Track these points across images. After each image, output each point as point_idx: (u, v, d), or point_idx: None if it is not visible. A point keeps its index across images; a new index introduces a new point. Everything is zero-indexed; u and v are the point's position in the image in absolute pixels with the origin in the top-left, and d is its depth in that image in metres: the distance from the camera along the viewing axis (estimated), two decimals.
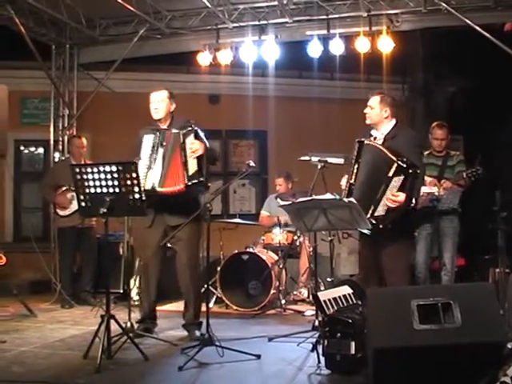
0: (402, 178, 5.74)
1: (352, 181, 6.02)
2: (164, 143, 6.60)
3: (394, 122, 6.22)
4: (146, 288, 6.96)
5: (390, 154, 5.78)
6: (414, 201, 5.86)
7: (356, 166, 6.02)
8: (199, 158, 6.53)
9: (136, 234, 7.30)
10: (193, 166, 6.50)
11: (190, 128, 6.56)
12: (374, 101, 6.23)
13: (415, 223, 7.09)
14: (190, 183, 6.47)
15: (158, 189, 6.50)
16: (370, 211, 5.80)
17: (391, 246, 6.02)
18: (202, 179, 6.52)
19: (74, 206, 8.90)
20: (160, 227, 6.77)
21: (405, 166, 5.73)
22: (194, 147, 6.49)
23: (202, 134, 6.61)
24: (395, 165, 5.72)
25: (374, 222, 5.77)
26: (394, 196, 5.73)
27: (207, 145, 6.62)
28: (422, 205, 7.50)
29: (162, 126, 6.82)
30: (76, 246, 9.38)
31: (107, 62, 11.13)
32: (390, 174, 5.73)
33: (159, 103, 6.80)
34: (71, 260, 9.51)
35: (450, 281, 7.96)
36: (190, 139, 6.53)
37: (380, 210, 5.79)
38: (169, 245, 6.93)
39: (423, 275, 8.08)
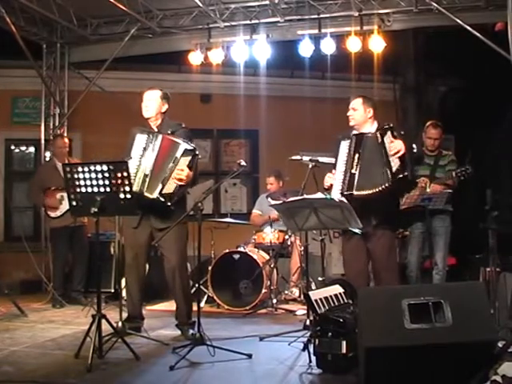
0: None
1: (354, 171, 6.17)
2: (157, 147, 6.57)
3: (376, 124, 6.35)
4: (130, 288, 6.95)
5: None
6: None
7: (357, 158, 6.19)
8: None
9: (124, 234, 7.29)
10: (169, 187, 6.50)
11: (191, 149, 6.56)
12: (357, 102, 6.38)
13: (405, 221, 7.15)
14: (156, 197, 6.48)
15: (145, 193, 6.50)
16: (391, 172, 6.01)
17: (383, 244, 6.10)
18: (168, 203, 6.51)
19: (64, 206, 8.92)
20: (146, 229, 6.76)
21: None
22: (183, 175, 6.49)
23: (194, 162, 6.63)
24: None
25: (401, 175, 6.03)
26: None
27: (195, 175, 6.66)
28: (414, 204, 7.53)
29: (152, 126, 6.80)
30: (69, 245, 9.37)
31: (98, 61, 11.11)
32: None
33: (150, 101, 6.78)
34: (64, 260, 9.51)
35: (442, 280, 7.98)
36: (185, 161, 6.51)
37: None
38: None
39: (415, 274, 8.11)
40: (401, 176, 6.01)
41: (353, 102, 6.42)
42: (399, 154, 6.01)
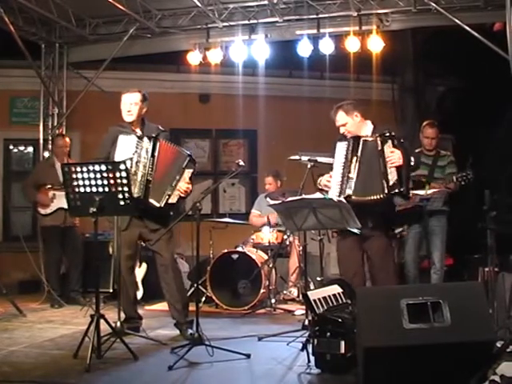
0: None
1: (351, 175, 6.15)
2: (156, 153, 6.55)
3: (370, 123, 6.37)
4: (123, 289, 6.93)
5: None
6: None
7: (355, 161, 6.18)
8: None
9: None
10: (174, 198, 6.54)
11: (192, 161, 6.63)
12: (341, 116, 6.40)
13: (401, 221, 7.17)
14: (161, 206, 6.50)
15: (150, 200, 6.50)
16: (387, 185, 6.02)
17: (379, 245, 6.13)
18: (170, 212, 6.59)
19: (55, 204, 9.00)
20: (135, 230, 6.75)
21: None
22: (189, 187, 6.56)
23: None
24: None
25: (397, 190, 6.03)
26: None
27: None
28: (413, 204, 7.54)
29: (134, 128, 6.75)
30: (61, 244, 9.38)
31: (97, 61, 11.11)
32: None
33: (132, 106, 6.71)
34: (57, 259, 9.52)
35: (440, 279, 8.00)
36: (188, 174, 6.56)
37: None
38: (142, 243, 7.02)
39: (412, 274, 8.14)
40: (396, 191, 6.01)
41: (338, 119, 6.42)
42: (396, 164, 6.00)
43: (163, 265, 6.81)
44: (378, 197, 6.04)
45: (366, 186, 6.11)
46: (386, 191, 5.99)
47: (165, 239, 6.70)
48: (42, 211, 9.28)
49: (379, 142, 6.11)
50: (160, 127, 6.81)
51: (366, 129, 6.37)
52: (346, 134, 6.37)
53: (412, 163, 6.12)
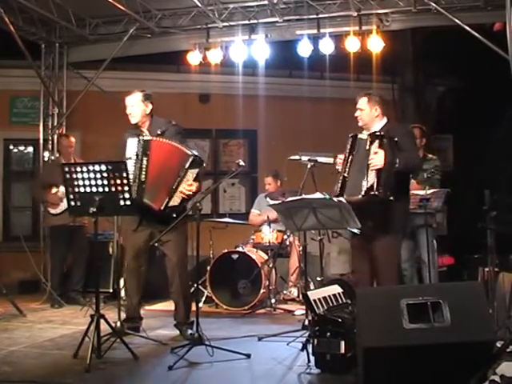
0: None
1: (346, 174, 6.12)
2: (148, 153, 6.54)
3: (385, 120, 6.30)
4: (129, 290, 6.95)
5: None
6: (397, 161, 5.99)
7: (350, 160, 6.15)
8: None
9: (124, 235, 7.26)
10: (176, 199, 6.50)
11: (199, 161, 6.54)
12: (363, 102, 6.33)
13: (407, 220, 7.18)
14: (163, 209, 6.48)
15: (145, 200, 6.49)
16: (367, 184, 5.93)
17: (382, 245, 6.11)
18: (173, 215, 6.49)
19: (65, 203, 8.92)
20: (146, 230, 6.75)
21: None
22: (191, 189, 6.50)
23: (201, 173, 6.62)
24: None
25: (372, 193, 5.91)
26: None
27: (200, 185, 6.64)
28: (413, 205, 7.54)
29: (142, 129, 6.76)
30: (67, 244, 9.36)
31: (97, 60, 11.09)
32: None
33: (133, 108, 6.72)
34: (62, 259, 9.48)
35: (434, 277, 8.00)
36: (192, 175, 6.50)
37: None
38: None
39: (409, 273, 8.16)
40: (372, 194, 5.90)
41: (359, 102, 6.36)
42: (376, 167, 5.90)
43: (171, 267, 6.81)
44: (355, 198, 5.99)
45: (355, 186, 6.06)
46: (363, 193, 5.95)
47: (174, 241, 6.70)
48: (53, 211, 9.26)
49: (368, 142, 6.06)
50: (172, 122, 6.80)
51: (378, 125, 6.31)
52: (358, 120, 6.36)
53: (397, 165, 5.98)
